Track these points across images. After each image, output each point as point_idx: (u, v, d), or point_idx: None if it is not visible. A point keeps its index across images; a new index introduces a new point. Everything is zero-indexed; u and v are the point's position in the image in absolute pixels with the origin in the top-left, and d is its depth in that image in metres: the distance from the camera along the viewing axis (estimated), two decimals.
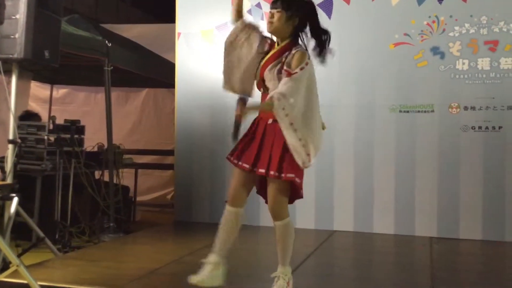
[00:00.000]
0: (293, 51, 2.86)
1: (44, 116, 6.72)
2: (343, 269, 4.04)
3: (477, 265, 4.28)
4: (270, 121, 2.90)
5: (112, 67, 5.22)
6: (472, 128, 5.01)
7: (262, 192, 3.04)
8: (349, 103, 5.28)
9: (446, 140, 5.05)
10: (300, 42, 2.95)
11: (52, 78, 7.23)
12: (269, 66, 2.91)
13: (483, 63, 4.99)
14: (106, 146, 5.42)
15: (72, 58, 5.03)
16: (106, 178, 5.38)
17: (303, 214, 5.30)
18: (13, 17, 3.50)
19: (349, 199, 5.25)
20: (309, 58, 2.87)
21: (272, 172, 2.84)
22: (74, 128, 5.05)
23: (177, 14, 5.84)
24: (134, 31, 7.66)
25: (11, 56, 3.51)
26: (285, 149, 2.83)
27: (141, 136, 7.84)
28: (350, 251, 4.78)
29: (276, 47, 2.96)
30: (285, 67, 2.84)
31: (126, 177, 5.94)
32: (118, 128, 6.25)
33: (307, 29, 2.95)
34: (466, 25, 5.02)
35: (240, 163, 2.94)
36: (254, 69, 2.98)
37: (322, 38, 2.93)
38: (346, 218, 5.25)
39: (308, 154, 2.81)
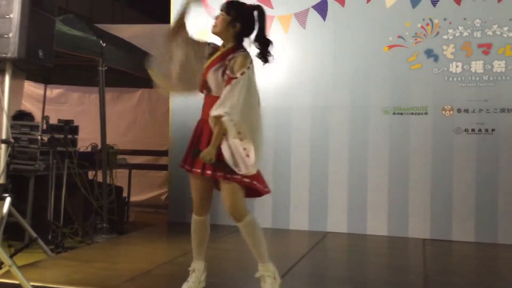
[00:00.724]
0: (236, 55, 2.89)
1: (38, 116, 6.69)
2: (336, 271, 4.05)
3: (470, 267, 4.30)
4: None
5: (106, 67, 5.20)
6: (465, 130, 5.03)
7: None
8: (343, 105, 5.28)
9: (440, 143, 5.07)
10: (244, 46, 2.97)
11: (46, 77, 7.19)
12: (213, 69, 2.92)
13: (477, 66, 5.01)
14: (99, 146, 5.41)
15: (67, 58, 5.01)
16: (100, 178, 5.37)
17: (297, 215, 5.32)
18: (7, 16, 3.48)
19: (343, 200, 5.26)
20: (251, 62, 2.88)
21: (219, 173, 2.85)
22: (68, 128, 5.04)
23: (172, 14, 5.83)
24: (129, 31, 7.62)
25: (4, 55, 3.49)
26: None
27: (136, 137, 7.81)
28: (344, 252, 4.78)
29: (221, 50, 2.99)
30: (227, 71, 2.86)
31: (120, 178, 5.92)
32: (112, 129, 6.23)
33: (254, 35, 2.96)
34: (460, 28, 5.05)
35: (193, 169, 2.94)
36: (194, 72, 2.97)
37: (264, 46, 2.93)
38: (339, 219, 5.26)
39: (251, 163, 2.78)
